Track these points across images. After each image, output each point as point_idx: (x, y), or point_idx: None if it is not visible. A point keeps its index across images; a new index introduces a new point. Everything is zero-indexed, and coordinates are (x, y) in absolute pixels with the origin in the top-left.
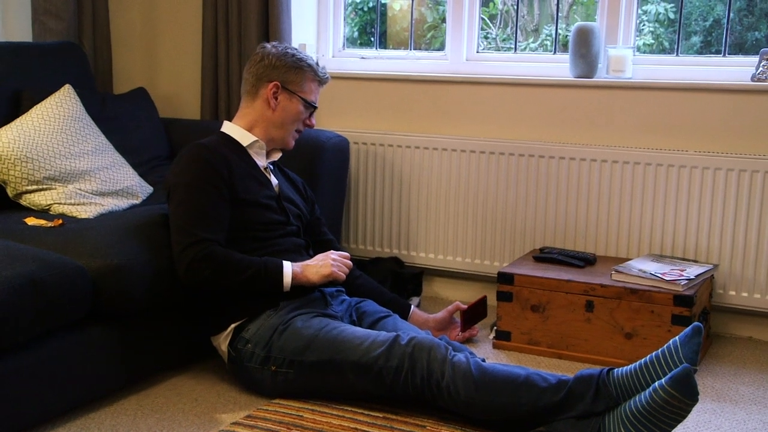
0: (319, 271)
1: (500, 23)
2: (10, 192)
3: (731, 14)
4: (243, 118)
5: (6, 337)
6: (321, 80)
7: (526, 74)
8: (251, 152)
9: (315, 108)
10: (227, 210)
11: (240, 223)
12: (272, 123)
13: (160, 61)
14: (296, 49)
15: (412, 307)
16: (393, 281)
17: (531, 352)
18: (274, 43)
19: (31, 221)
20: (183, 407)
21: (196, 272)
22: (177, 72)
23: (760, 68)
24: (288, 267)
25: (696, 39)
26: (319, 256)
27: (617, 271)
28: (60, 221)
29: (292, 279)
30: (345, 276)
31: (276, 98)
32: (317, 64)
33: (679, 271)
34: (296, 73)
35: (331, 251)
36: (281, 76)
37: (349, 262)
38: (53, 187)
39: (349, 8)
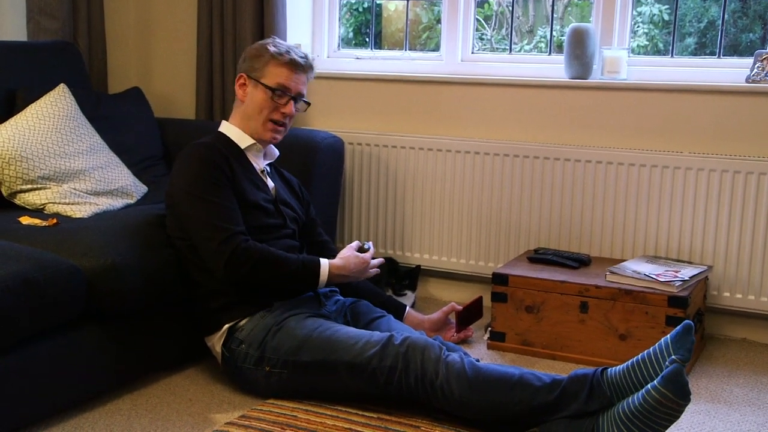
0: (358, 278)
1: (495, 24)
2: (4, 191)
3: (726, 16)
4: (232, 117)
5: (0, 337)
6: (284, 63)
7: (520, 75)
8: (248, 155)
9: (281, 92)
10: (237, 206)
11: None
12: (246, 115)
13: (155, 60)
14: (276, 40)
15: (407, 307)
16: (389, 275)
17: (525, 353)
18: (264, 40)
19: (25, 220)
20: (177, 407)
21: (236, 266)
22: (172, 72)
23: (755, 70)
24: (325, 266)
25: (690, 40)
26: (353, 259)
27: (612, 272)
28: (54, 220)
29: (328, 279)
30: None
31: (244, 89)
32: (288, 50)
33: (673, 273)
34: (258, 60)
35: (366, 255)
36: (246, 67)
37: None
38: (48, 186)
39: (344, 9)
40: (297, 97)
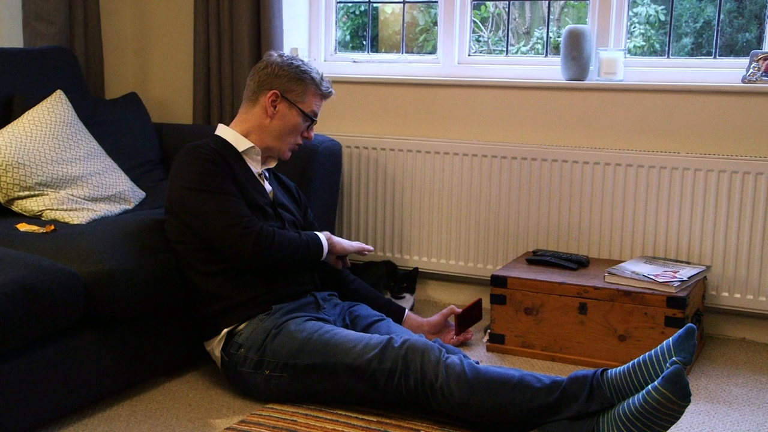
0: (349, 242)
1: (492, 26)
2: (1, 198)
3: (721, 16)
4: (240, 123)
5: None
6: (323, 94)
7: (517, 77)
8: (246, 158)
9: (314, 121)
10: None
11: None
12: (269, 132)
13: (152, 65)
14: (303, 61)
15: (407, 311)
16: (388, 278)
17: (525, 354)
18: (281, 52)
19: (23, 227)
20: (177, 413)
21: (263, 246)
22: (169, 77)
23: (751, 70)
24: (321, 235)
25: (687, 41)
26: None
27: (610, 273)
28: (52, 227)
29: (329, 244)
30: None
31: (274, 107)
32: (322, 78)
33: (671, 273)
34: (298, 84)
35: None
36: (282, 86)
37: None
38: (45, 192)
39: (341, 12)
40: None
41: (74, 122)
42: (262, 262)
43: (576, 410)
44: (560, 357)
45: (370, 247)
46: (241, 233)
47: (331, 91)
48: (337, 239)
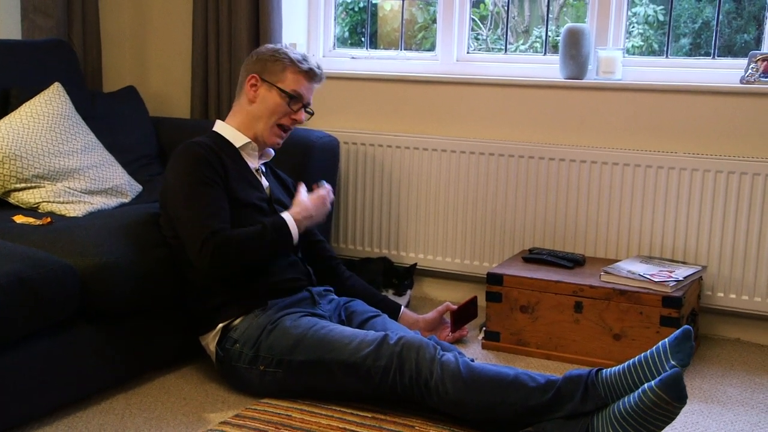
0: (321, 216)
1: (491, 24)
2: None
3: (720, 17)
4: (233, 116)
5: None
6: (303, 71)
7: (516, 75)
8: (243, 153)
9: (296, 99)
10: (227, 204)
11: (231, 224)
12: (253, 117)
13: (150, 59)
14: (288, 47)
15: (402, 307)
16: (389, 275)
17: (520, 352)
18: (271, 45)
19: (19, 219)
20: (171, 406)
21: (220, 260)
22: (167, 70)
23: (749, 71)
24: (290, 219)
25: (685, 41)
26: (310, 201)
27: (606, 272)
28: (49, 219)
29: (298, 228)
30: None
31: (255, 90)
32: (305, 58)
33: (667, 273)
34: (274, 64)
35: (321, 191)
36: (259, 68)
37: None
38: (42, 185)
39: (340, 8)
40: (305, 106)
41: (72, 115)
42: (223, 273)
43: (570, 409)
44: (555, 355)
45: (331, 196)
46: (201, 246)
47: (313, 69)
48: (302, 214)
